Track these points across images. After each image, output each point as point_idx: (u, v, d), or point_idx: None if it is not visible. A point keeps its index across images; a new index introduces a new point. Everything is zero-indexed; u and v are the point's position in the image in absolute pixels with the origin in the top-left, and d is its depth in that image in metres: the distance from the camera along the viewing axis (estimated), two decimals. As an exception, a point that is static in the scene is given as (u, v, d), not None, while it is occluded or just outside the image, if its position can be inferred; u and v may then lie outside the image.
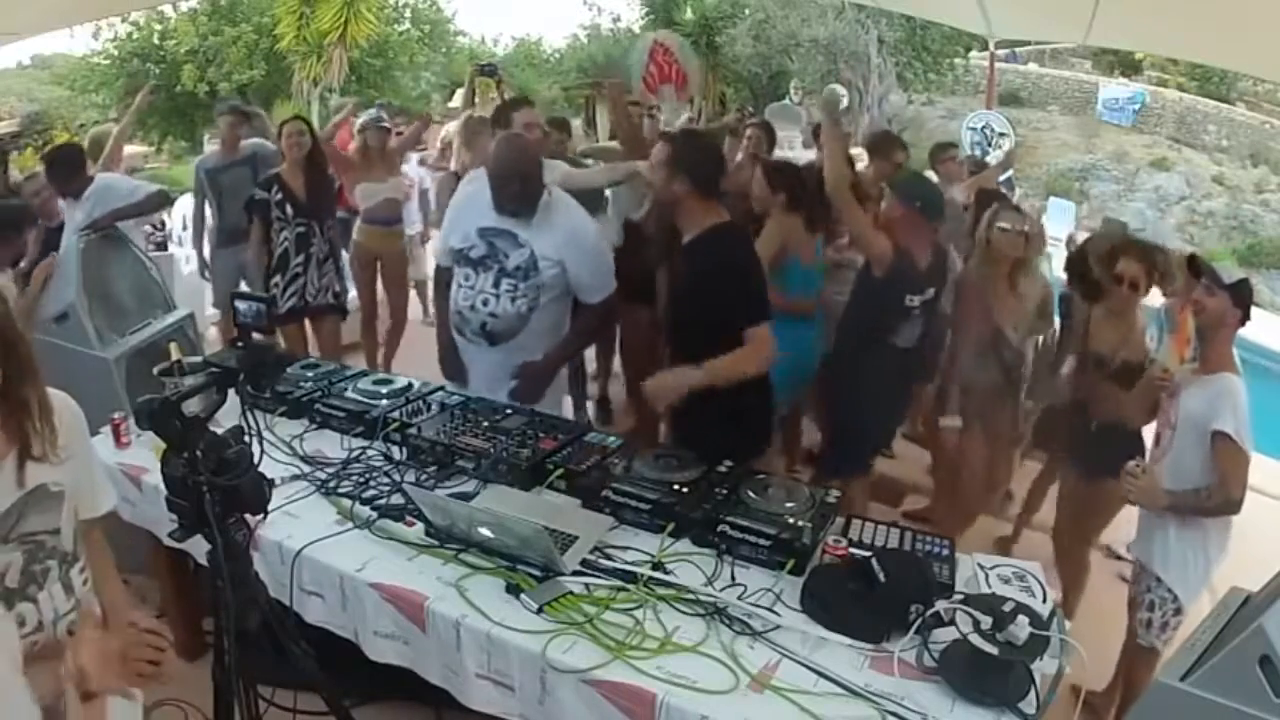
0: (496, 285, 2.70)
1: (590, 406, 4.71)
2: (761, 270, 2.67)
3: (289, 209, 4.10)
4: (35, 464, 1.32)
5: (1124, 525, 2.65)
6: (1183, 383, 2.43)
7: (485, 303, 2.72)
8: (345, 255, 4.77)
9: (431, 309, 5.79)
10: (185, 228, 5.72)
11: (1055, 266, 4.15)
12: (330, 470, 2.34)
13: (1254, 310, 2.40)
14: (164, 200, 4.14)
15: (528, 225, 2.69)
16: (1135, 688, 2.48)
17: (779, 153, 5.20)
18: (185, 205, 6.10)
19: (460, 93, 5.36)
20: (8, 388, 1.27)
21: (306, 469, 2.35)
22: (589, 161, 4.05)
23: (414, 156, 6.12)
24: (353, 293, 4.80)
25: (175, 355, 2.49)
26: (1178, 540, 2.40)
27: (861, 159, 4.57)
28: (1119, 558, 3.45)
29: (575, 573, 1.90)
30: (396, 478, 2.28)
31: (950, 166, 4.89)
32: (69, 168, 3.80)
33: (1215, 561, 2.41)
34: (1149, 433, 2.67)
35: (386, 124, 4.80)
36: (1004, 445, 3.56)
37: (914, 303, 3.05)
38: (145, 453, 2.36)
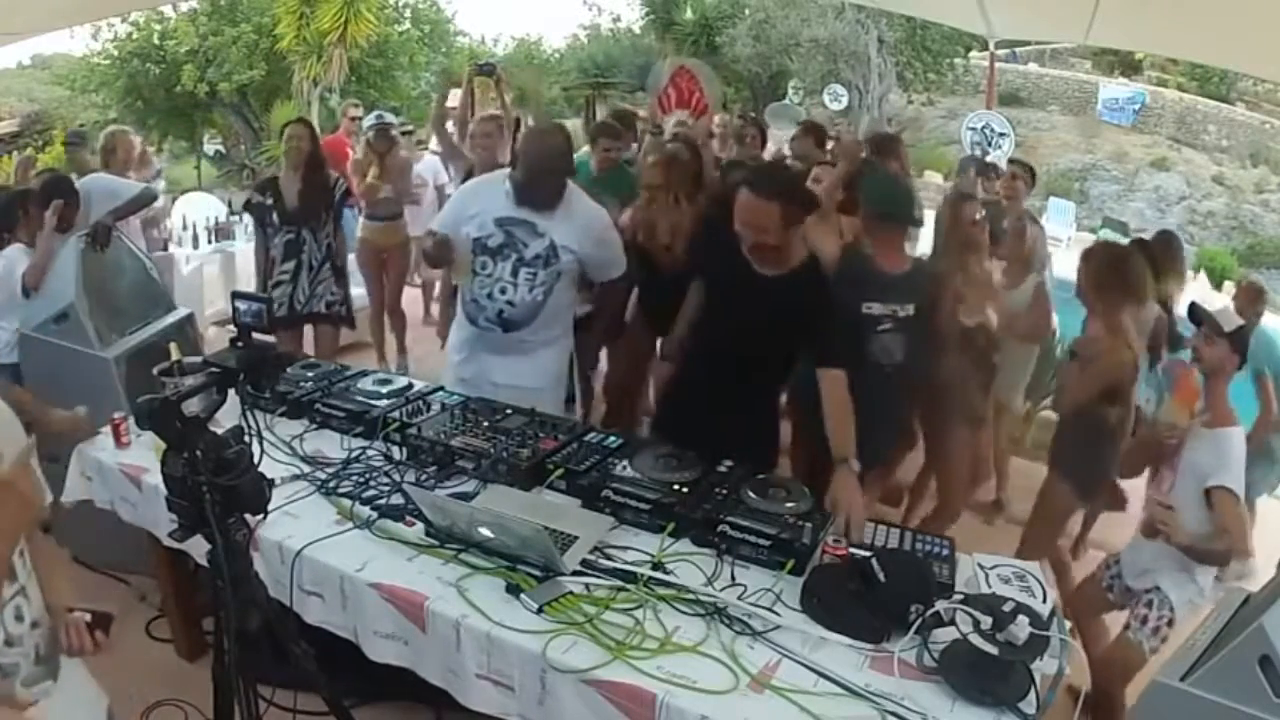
0: (515, 274, 2.71)
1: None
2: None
3: (276, 215, 4.11)
4: None
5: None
6: (1189, 433, 2.42)
7: (503, 291, 2.72)
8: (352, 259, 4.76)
9: (434, 310, 5.80)
10: (185, 227, 5.73)
11: (1056, 268, 4.14)
12: (330, 470, 2.33)
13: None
14: (152, 195, 4.16)
15: (549, 216, 2.71)
16: (1112, 692, 2.42)
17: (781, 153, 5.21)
18: (186, 205, 6.12)
19: (458, 92, 5.32)
20: None
21: (306, 469, 2.34)
22: None
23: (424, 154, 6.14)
24: (357, 292, 4.78)
25: (175, 355, 2.49)
26: (1169, 571, 2.42)
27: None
28: None
29: (575, 573, 1.90)
30: (396, 478, 2.28)
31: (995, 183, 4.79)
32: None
33: (1207, 589, 2.40)
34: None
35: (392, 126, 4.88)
36: (982, 434, 3.55)
37: (875, 311, 2.81)
38: (145, 453, 2.36)
